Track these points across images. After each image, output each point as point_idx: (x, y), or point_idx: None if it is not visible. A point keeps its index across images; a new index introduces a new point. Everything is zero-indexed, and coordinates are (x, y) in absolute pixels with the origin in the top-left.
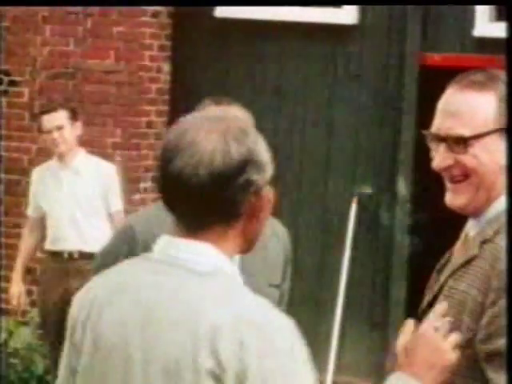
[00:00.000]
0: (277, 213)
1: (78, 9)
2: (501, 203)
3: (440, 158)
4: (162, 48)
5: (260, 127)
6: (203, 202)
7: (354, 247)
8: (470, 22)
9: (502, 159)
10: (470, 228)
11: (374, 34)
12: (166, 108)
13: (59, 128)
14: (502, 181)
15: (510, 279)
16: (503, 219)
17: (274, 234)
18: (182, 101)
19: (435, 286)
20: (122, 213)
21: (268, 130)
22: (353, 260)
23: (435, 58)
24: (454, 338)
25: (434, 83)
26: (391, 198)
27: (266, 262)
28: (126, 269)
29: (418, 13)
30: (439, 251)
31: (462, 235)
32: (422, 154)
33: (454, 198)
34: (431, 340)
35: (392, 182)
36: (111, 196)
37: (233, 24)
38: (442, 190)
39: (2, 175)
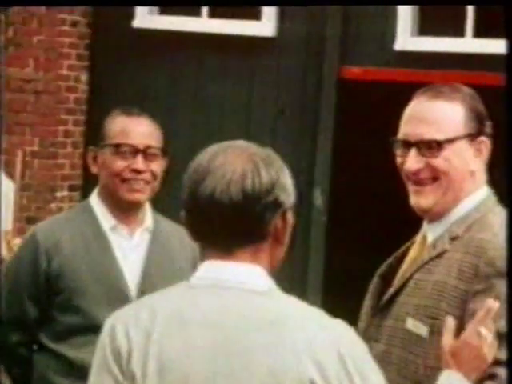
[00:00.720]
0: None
1: (1, 17)
2: (468, 204)
3: (411, 161)
4: (80, 58)
5: (177, 137)
6: (235, 220)
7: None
8: (391, 35)
9: (471, 164)
10: (429, 230)
11: (292, 46)
12: (83, 118)
13: None
14: (468, 184)
15: (510, 279)
16: (474, 217)
17: (182, 242)
18: (99, 111)
19: (396, 282)
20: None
21: (185, 140)
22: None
23: (355, 71)
24: (493, 344)
25: (353, 96)
26: (306, 212)
27: (171, 271)
28: (173, 296)
29: (338, 25)
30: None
31: (418, 238)
32: (339, 167)
33: (420, 200)
34: (476, 347)
35: (309, 194)
36: (7, 212)
37: (151, 35)
38: (359, 203)
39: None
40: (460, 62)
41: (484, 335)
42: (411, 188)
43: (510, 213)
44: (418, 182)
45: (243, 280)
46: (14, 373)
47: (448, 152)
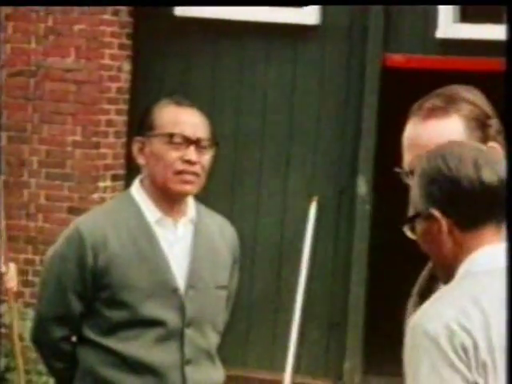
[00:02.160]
0: (235, 214)
1: (39, 7)
2: None
3: None
4: (122, 47)
5: (221, 124)
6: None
7: (314, 248)
8: (432, 23)
9: None
10: None
11: (335, 34)
12: (125, 107)
13: None
14: None
15: (510, 279)
16: None
17: (222, 232)
18: (141, 100)
19: None
20: None
21: (229, 130)
22: (312, 260)
23: (398, 58)
24: None
25: (396, 84)
26: (351, 199)
27: (214, 264)
28: (482, 284)
29: (380, 13)
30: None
31: None
32: (383, 156)
33: None
34: None
35: (352, 183)
36: None
37: (193, 23)
38: (401, 191)
39: None
40: (497, 49)
41: None
42: None
43: (510, 214)
44: None
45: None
46: (57, 368)
47: None
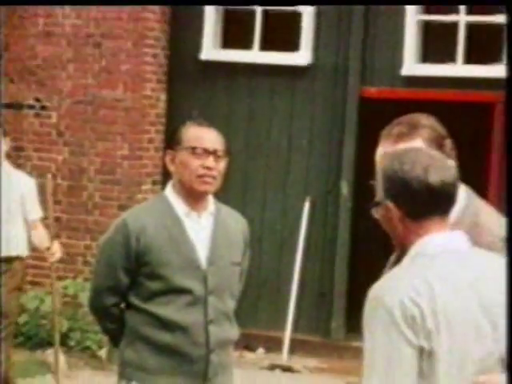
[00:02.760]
0: (246, 209)
1: (95, 51)
2: (456, 209)
3: None
4: (159, 81)
5: (235, 140)
6: (452, 195)
7: (308, 236)
8: (399, 62)
9: None
10: None
11: (323, 72)
12: (162, 128)
13: None
14: None
15: (509, 280)
16: (469, 219)
17: (236, 223)
18: (174, 122)
19: None
20: (39, 221)
21: (241, 144)
22: (306, 245)
23: (372, 91)
24: None
25: (370, 110)
26: (336, 198)
27: (229, 245)
28: (431, 265)
29: (358, 55)
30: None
31: None
32: (361, 164)
33: None
34: None
35: (337, 186)
36: (29, 205)
37: (213, 64)
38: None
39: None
40: (453, 83)
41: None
42: None
43: (510, 214)
44: None
45: (461, 243)
46: (109, 328)
47: None
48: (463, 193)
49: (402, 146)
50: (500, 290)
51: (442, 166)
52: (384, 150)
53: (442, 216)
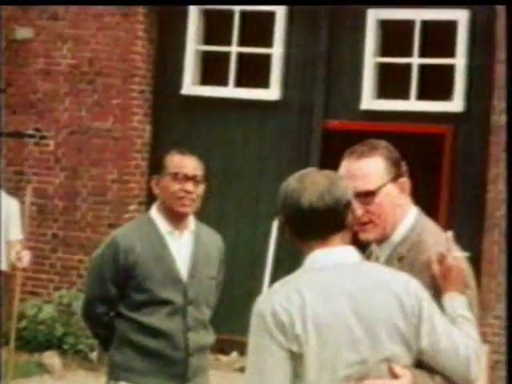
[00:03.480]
0: (222, 227)
1: (89, 87)
2: (403, 227)
3: (357, 209)
4: (145, 115)
5: (212, 166)
6: (329, 218)
7: (276, 252)
8: (358, 98)
9: (397, 200)
10: (379, 251)
11: (291, 107)
12: (147, 155)
13: None
14: (399, 213)
15: (509, 281)
16: (412, 238)
17: (213, 240)
18: (158, 150)
19: None
20: (19, 242)
21: (218, 170)
22: (275, 260)
23: (334, 123)
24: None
25: (333, 141)
26: None
27: (207, 260)
28: (309, 278)
29: (323, 91)
30: None
31: (372, 256)
32: None
33: (364, 236)
34: (457, 265)
35: None
36: (13, 226)
37: (193, 99)
38: None
39: (33, 199)
40: (407, 117)
41: (459, 255)
42: (357, 228)
43: (511, 213)
44: (361, 224)
45: (347, 257)
46: (100, 334)
47: (380, 197)
48: (413, 213)
49: (365, 160)
50: (382, 300)
51: (322, 191)
52: (345, 167)
53: (322, 236)
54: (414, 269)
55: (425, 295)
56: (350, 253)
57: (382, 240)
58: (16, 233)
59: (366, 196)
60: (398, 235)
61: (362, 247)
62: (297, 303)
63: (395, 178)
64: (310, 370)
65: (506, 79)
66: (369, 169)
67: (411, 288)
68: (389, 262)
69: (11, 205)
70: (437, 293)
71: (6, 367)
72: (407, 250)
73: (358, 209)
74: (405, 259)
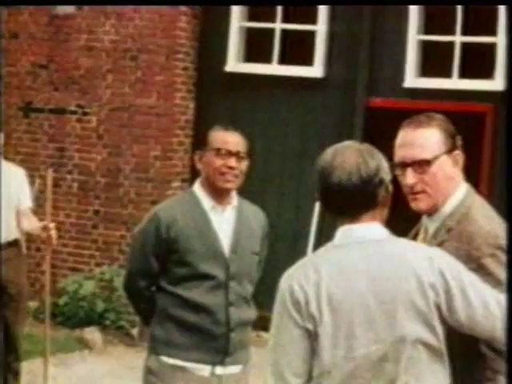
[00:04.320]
0: (264, 204)
1: (132, 63)
2: (454, 201)
3: (409, 177)
4: (189, 91)
5: (255, 146)
6: (357, 197)
7: (318, 230)
8: (402, 76)
9: (450, 172)
10: (428, 223)
11: (334, 84)
12: (191, 132)
13: None
14: (451, 187)
15: (509, 277)
16: (461, 212)
17: (256, 216)
18: (202, 127)
19: None
20: (29, 209)
21: (260, 148)
22: (317, 238)
23: (377, 101)
24: None
25: (376, 119)
26: None
27: (249, 236)
28: (328, 255)
29: (366, 69)
30: None
31: (422, 229)
32: None
33: (417, 205)
34: None
35: None
36: (23, 194)
37: (237, 76)
38: None
39: (75, 176)
40: (449, 95)
41: None
42: (410, 197)
43: (511, 212)
44: (414, 193)
45: (372, 234)
46: (141, 309)
47: (434, 167)
48: (464, 187)
49: (422, 130)
50: (401, 278)
51: (351, 170)
52: (402, 136)
53: (353, 214)
54: (461, 240)
55: (452, 267)
56: (375, 229)
57: (432, 212)
58: (25, 200)
59: (421, 165)
60: (448, 208)
61: (415, 219)
62: (313, 282)
63: (450, 151)
64: (324, 348)
65: (507, 81)
66: (426, 138)
67: (435, 264)
68: (437, 233)
69: (18, 174)
70: (480, 263)
71: (44, 342)
72: (456, 222)
73: (412, 178)
74: (453, 231)
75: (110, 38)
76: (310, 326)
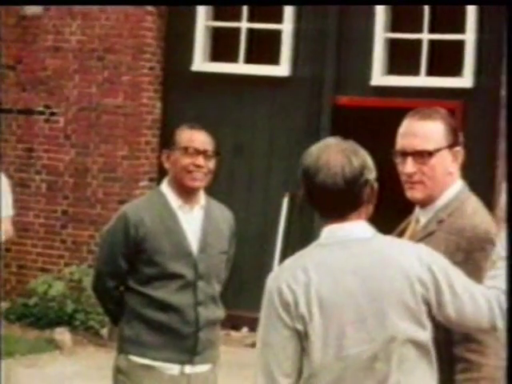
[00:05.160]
0: (232, 203)
1: (99, 63)
2: (448, 195)
3: (408, 166)
4: (155, 91)
5: (223, 141)
6: (342, 197)
7: (287, 227)
8: (369, 74)
9: (449, 167)
10: (420, 214)
11: (301, 83)
12: (158, 132)
13: None
14: (448, 181)
15: (510, 276)
16: (454, 205)
17: (224, 216)
18: (169, 127)
19: None
20: (10, 219)
21: (228, 146)
22: (286, 235)
23: (344, 99)
24: None
25: (343, 117)
26: None
27: (218, 235)
28: (315, 254)
29: (333, 67)
30: None
31: (413, 220)
32: None
33: (412, 194)
34: None
35: None
36: (4, 203)
37: (203, 75)
38: None
39: (44, 176)
40: (417, 93)
41: None
42: (407, 185)
43: (511, 210)
44: (412, 182)
45: (357, 232)
46: (110, 309)
47: (435, 160)
48: (459, 184)
49: (426, 122)
50: (391, 277)
51: (335, 172)
52: (406, 126)
53: (339, 213)
54: (451, 231)
55: (439, 263)
56: (361, 228)
57: (426, 203)
58: (9, 209)
59: (422, 156)
60: (441, 201)
61: (408, 209)
62: (302, 282)
63: (451, 146)
64: (315, 348)
65: (507, 84)
66: (430, 130)
67: (423, 261)
68: (428, 224)
69: (1, 181)
70: (469, 255)
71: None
72: (447, 215)
73: (411, 167)
74: (444, 223)
75: (76, 38)
76: (299, 327)
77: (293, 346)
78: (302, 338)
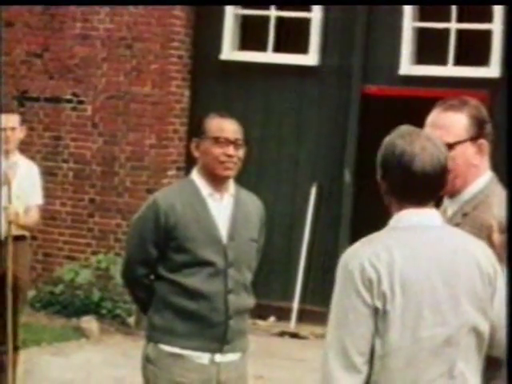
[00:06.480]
0: (261, 192)
1: (127, 52)
2: (473, 188)
3: None
4: (184, 79)
5: (251, 131)
6: (435, 185)
7: (314, 217)
8: (397, 63)
9: (473, 160)
10: (448, 205)
11: (329, 72)
12: (186, 120)
13: (12, 129)
14: (472, 173)
15: (510, 276)
16: (479, 198)
17: (253, 204)
18: (196, 115)
19: None
20: (37, 207)
21: (256, 135)
22: (313, 225)
23: (373, 89)
24: None
25: (371, 106)
26: (340, 184)
27: (247, 223)
28: (398, 237)
29: (361, 56)
30: (375, 218)
31: (441, 210)
32: (362, 155)
33: None
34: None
35: (341, 173)
36: (36, 190)
37: (232, 64)
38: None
39: (71, 165)
40: (444, 83)
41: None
42: None
43: (511, 209)
44: None
45: (432, 219)
46: (139, 297)
47: (455, 152)
48: (487, 176)
49: (450, 113)
50: (465, 264)
51: (432, 158)
52: (432, 116)
53: (424, 199)
54: (474, 225)
55: (497, 265)
56: (434, 215)
57: (452, 194)
58: (35, 198)
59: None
60: (467, 194)
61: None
62: (385, 261)
63: (475, 138)
64: (392, 328)
65: (507, 75)
66: (451, 122)
67: (488, 256)
68: (454, 216)
69: (32, 170)
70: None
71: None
72: (472, 208)
73: None
74: (468, 216)
75: (104, 26)
76: (379, 305)
77: (369, 325)
78: (379, 317)
